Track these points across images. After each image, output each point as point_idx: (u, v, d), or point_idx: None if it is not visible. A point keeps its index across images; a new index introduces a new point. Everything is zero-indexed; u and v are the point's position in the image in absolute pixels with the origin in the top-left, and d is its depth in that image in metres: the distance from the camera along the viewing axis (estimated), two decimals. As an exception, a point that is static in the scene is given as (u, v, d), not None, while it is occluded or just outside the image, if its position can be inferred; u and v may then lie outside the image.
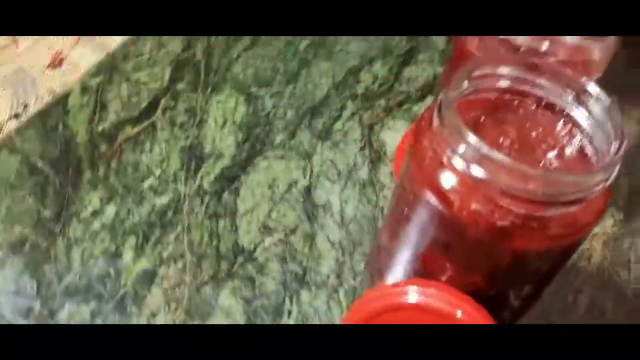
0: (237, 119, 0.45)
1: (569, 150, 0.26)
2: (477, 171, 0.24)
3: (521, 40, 0.33)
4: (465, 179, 0.24)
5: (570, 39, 0.33)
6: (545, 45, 0.33)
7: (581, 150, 0.26)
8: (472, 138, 0.23)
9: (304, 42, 0.51)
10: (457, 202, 0.24)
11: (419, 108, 0.47)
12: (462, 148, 0.24)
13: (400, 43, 0.52)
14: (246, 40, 0.51)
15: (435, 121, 0.25)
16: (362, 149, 0.44)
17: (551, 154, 0.26)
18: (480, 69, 0.27)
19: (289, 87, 0.47)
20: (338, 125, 0.45)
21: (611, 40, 0.33)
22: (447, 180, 0.25)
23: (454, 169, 0.24)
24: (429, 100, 0.48)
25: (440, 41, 0.53)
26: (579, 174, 0.24)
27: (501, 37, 0.34)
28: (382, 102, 0.47)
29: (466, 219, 0.25)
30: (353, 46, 0.52)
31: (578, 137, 0.26)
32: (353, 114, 0.46)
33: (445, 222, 0.26)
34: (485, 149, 0.23)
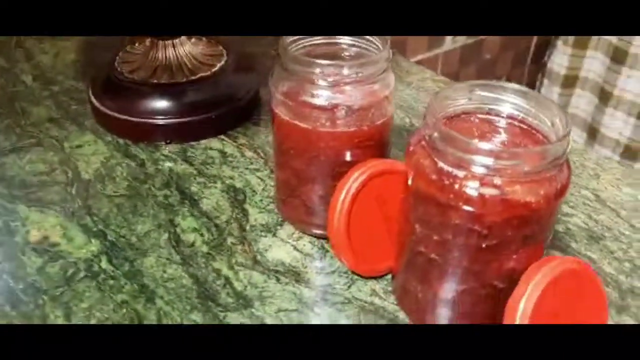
0: None
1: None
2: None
3: (320, 101, 0.39)
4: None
5: (360, 88, 0.40)
6: (341, 99, 0.40)
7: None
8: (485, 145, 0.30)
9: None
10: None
11: (259, 214, 0.48)
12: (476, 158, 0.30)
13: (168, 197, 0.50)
14: None
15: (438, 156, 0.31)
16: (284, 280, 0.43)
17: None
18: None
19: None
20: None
21: (391, 78, 0.42)
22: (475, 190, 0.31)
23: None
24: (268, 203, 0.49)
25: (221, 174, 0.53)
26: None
27: (304, 99, 0.39)
28: (230, 239, 0.46)
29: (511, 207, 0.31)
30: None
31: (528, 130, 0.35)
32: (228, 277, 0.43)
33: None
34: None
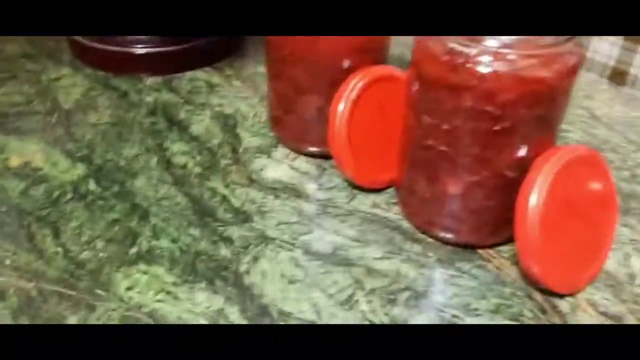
0: (168, 282, 0.35)
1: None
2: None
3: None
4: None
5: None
6: None
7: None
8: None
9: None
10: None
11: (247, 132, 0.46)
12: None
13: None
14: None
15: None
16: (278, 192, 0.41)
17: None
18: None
19: (151, 220, 0.38)
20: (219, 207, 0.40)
21: None
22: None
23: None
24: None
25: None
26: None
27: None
28: (223, 161, 0.44)
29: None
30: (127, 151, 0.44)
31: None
32: (224, 196, 0.42)
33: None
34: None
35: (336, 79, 0.40)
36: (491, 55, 0.30)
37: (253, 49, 0.59)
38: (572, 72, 0.31)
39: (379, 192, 0.42)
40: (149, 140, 0.46)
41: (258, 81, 0.54)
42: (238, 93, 0.52)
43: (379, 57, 0.41)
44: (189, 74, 0.54)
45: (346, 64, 0.40)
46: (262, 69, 0.56)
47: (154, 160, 0.44)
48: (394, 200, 0.41)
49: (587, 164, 0.33)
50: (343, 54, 0.39)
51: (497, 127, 0.31)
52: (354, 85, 0.38)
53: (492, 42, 0.30)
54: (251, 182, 0.42)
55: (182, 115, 0.49)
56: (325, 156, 0.44)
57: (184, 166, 0.43)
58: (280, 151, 0.45)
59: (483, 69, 0.30)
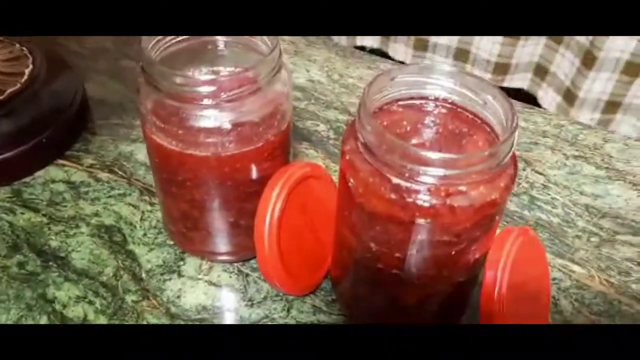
0: None
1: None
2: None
3: (214, 122, 0.32)
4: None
5: (259, 96, 0.33)
6: (241, 113, 0.32)
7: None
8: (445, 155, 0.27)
9: None
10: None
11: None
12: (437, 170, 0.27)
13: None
14: None
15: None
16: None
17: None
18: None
19: None
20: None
21: (284, 73, 0.35)
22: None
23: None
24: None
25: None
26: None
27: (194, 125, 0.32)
28: (129, 298, 0.38)
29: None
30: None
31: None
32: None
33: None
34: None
35: (247, 192, 0.35)
36: (442, 190, 0.28)
37: (103, 122, 0.50)
38: (514, 178, 0.30)
39: (315, 292, 0.39)
40: (27, 291, 0.38)
41: (127, 167, 0.46)
42: (110, 190, 0.44)
43: (285, 157, 0.37)
44: (39, 175, 0.45)
45: (254, 175, 0.35)
46: (125, 147, 0.48)
47: (43, 321, 0.36)
48: (332, 297, 0.38)
49: (528, 245, 0.34)
50: (251, 168, 0.34)
51: (454, 251, 0.30)
52: (276, 197, 0.34)
53: (441, 178, 0.27)
54: (172, 317, 0.37)
55: (54, 242, 0.40)
56: (242, 260, 0.40)
57: (85, 319, 0.36)
58: (190, 263, 0.40)
59: (437, 205, 0.28)
